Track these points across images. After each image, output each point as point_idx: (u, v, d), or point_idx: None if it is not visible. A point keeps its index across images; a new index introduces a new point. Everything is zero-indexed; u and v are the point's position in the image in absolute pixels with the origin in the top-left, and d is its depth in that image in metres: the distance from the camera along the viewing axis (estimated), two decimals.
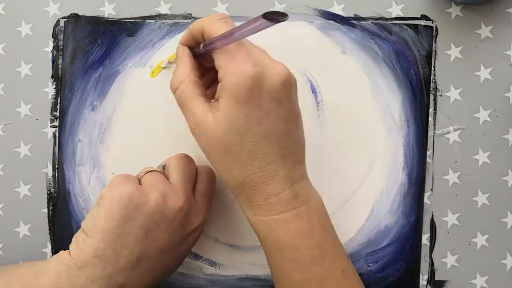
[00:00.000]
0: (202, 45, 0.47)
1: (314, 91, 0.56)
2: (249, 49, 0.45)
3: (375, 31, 0.56)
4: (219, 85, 0.45)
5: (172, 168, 0.51)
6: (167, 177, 0.51)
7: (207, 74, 0.50)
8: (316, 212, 0.47)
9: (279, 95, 0.44)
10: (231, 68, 0.44)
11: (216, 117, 0.44)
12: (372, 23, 0.56)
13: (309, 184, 0.48)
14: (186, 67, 0.47)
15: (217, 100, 0.45)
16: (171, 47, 0.56)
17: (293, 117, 0.46)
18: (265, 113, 0.44)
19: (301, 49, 0.56)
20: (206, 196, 0.52)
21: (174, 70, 0.48)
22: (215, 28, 0.45)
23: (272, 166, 0.45)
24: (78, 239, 0.47)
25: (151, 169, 0.51)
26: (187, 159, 0.52)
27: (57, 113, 0.57)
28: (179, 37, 0.56)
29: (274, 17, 0.38)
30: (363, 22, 0.56)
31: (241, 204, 0.47)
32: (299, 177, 0.46)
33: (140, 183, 0.49)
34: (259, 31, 0.41)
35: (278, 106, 0.44)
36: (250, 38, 0.44)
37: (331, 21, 0.56)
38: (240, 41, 0.45)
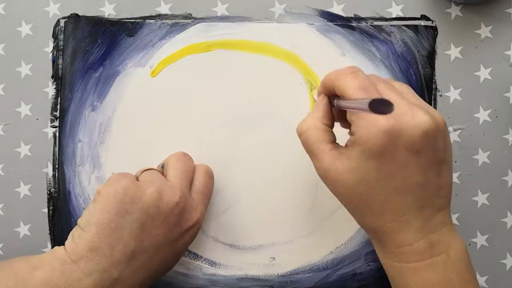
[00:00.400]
0: (335, 102, 0.46)
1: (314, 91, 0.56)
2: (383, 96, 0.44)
3: (374, 33, 0.56)
4: (351, 138, 0.43)
5: (170, 165, 0.51)
6: (165, 175, 0.51)
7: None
8: (455, 263, 0.44)
9: (418, 147, 0.42)
10: (364, 122, 0.42)
11: (345, 166, 0.43)
12: (371, 25, 0.56)
13: (451, 232, 0.45)
14: (316, 114, 0.46)
15: (348, 147, 0.44)
16: (171, 47, 0.57)
17: (435, 165, 0.43)
18: (400, 166, 0.42)
19: (301, 50, 0.56)
20: (203, 194, 0.52)
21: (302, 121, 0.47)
22: (346, 85, 0.44)
23: (406, 217, 0.43)
24: (74, 234, 0.47)
25: (149, 168, 0.51)
26: (185, 157, 0.52)
27: (57, 113, 0.57)
28: (179, 37, 0.57)
29: (377, 107, 0.37)
30: (362, 25, 0.56)
31: (374, 244, 0.47)
32: (438, 225, 0.44)
33: (137, 180, 0.49)
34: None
35: (416, 157, 0.42)
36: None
37: (330, 23, 0.56)
38: (376, 93, 0.44)
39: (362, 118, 0.42)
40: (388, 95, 0.43)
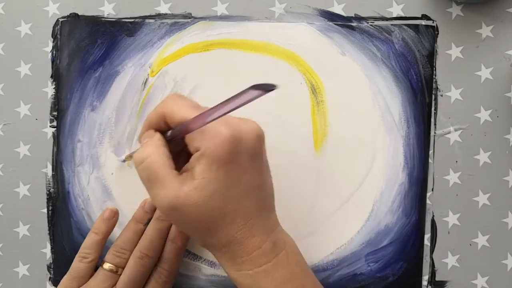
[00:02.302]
0: (170, 132, 0.47)
1: (314, 91, 0.56)
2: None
3: (374, 33, 0.56)
4: (195, 155, 0.44)
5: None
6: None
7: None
8: (293, 256, 0.48)
9: (255, 150, 0.45)
10: (207, 134, 0.43)
11: (195, 185, 0.43)
12: (371, 25, 0.56)
13: (282, 230, 0.49)
14: (156, 141, 0.46)
15: (189, 169, 0.45)
16: (171, 47, 0.57)
17: (266, 168, 0.47)
18: (243, 170, 0.45)
19: (301, 50, 0.56)
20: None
21: (139, 150, 0.47)
22: (178, 107, 0.45)
23: (252, 220, 0.45)
24: None
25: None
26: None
27: (57, 113, 0.58)
28: (178, 37, 0.57)
29: (262, 86, 0.38)
30: (362, 25, 0.56)
31: (223, 263, 0.47)
32: (274, 225, 0.48)
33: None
34: (242, 105, 0.40)
35: (254, 161, 0.45)
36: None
37: (330, 23, 0.57)
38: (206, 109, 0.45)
39: (205, 132, 0.44)
40: (213, 112, 0.44)
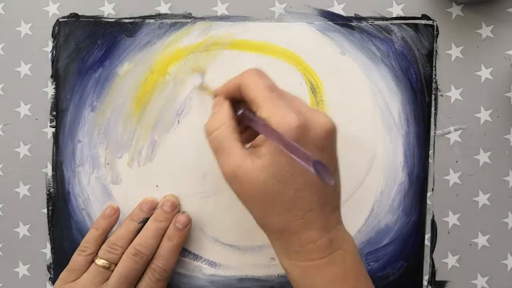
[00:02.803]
0: (240, 112, 0.47)
1: (314, 91, 0.57)
2: (291, 100, 0.46)
3: (374, 33, 0.57)
4: (260, 135, 0.45)
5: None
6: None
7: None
8: (351, 256, 0.47)
9: (323, 144, 0.45)
10: (276, 118, 0.44)
11: (257, 164, 0.44)
12: (371, 24, 0.57)
13: (344, 229, 0.48)
14: (225, 113, 0.47)
15: (256, 146, 0.45)
16: (171, 47, 0.57)
17: (334, 164, 0.47)
18: None
19: (301, 49, 0.57)
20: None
21: (211, 115, 0.48)
22: (254, 84, 0.46)
23: (311, 214, 0.45)
24: None
25: None
26: None
27: (57, 113, 0.58)
28: (178, 37, 0.57)
29: (322, 172, 0.40)
30: (362, 24, 0.57)
31: (275, 248, 0.47)
32: (335, 222, 0.47)
33: None
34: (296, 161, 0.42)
35: (321, 154, 0.44)
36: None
37: (330, 23, 0.57)
38: (281, 93, 0.46)
39: (275, 115, 0.44)
40: (294, 100, 0.46)
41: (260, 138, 0.46)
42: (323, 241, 0.45)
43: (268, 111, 0.45)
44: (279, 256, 0.47)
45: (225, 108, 0.47)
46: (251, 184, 0.44)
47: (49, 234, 0.58)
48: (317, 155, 0.44)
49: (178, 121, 0.57)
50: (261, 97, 0.45)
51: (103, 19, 0.58)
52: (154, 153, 0.57)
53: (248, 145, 0.47)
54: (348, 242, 0.47)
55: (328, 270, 0.46)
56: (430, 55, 0.56)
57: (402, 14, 0.57)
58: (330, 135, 0.45)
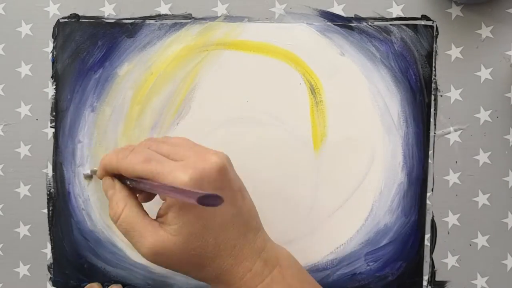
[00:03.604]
0: (129, 182, 0.48)
1: (313, 92, 0.57)
2: (174, 159, 0.47)
3: (373, 33, 0.57)
4: (164, 204, 0.46)
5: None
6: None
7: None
8: (288, 270, 0.49)
9: (220, 183, 0.46)
10: (170, 182, 0.45)
11: (170, 230, 0.45)
12: (370, 25, 0.57)
13: (273, 244, 0.49)
14: (122, 193, 0.48)
15: (163, 215, 0.46)
16: (171, 48, 0.58)
17: (237, 194, 0.48)
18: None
19: (300, 50, 0.57)
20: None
21: (109, 200, 0.49)
22: (130, 164, 0.47)
23: (237, 248, 0.47)
24: None
25: None
26: None
27: (57, 114, 0.58)
28: (178, 37, 0.58)
29: (208, 201, 0.41)
30: (361, 25, 0.57)
31: None
32: (263, 243, 0.48)
33: None
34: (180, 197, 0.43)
35: (221, 193, 0.44)
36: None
37: (330, 23, 0.57)
38: (160, 159, 0.46)
39: (167, 181, 0.45)
40: (176, 152, 0.47)
41: (163, 207, 0.46)
42: (257, 266, 0.47)
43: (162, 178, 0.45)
44: None
45: (119, 188, 0.49)
46: (173, 252, 0.45)
47: (50, 234, 0.58)
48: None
49: (178, 123, 0.58)
50: (140, 172, 0.46)
51: (104, 19, 0.58)
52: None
53: (155, 218, 0.47)
54: (283, 256, 0.49)
55: None
56: (430, 56, 0.57)
57: (402, 15, 0.57)
58: (223, 173, 0.46)
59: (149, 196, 0.52)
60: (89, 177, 0.58)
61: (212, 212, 0.45)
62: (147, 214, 0.47)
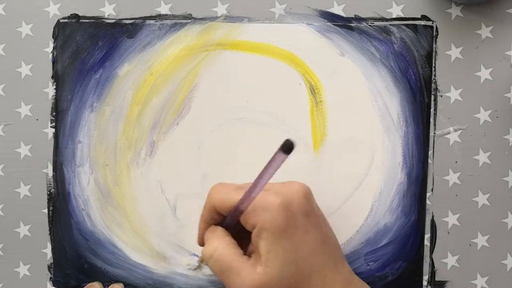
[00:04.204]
0: (225, 220, 0.49)
1: (313, 92, 0.57)
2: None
3: (373, 34, 0.57)
4: (254, 232, 0.46)
5: None
6: None
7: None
8: None
9: (307, 208, 0.47)
10: (259, 208, 0.45)
11: (265, 263, 0.45)
12: (370, 25, 0.57)
13: (358, 279, 0.49)
14: (218, 233, 0.48)
15: (254, 250, 0.46)
16: (171, 48, 0.58)
17: (323, 221, 0.49)
18: (304, 230, 0.46)
19: (300, 51, 0.57)
20: None
21: (205, 242, 0.49)
22: (229, 196, 0.48)
23: (329, 277, 0.46)
24: None
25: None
26: None
27: (57, 114, 0.59)
28: (178, 38, 0.58)
29: (287, 148, 0.41)
30: (361, 25, 0.57)
31: None
32: (351, 274, 0.49)
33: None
34: (277, 169, 0.44)
35: (309, 218, 0.47)
36: None
37: (329, 24, 0.58)
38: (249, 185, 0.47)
39: (256, 207, 0.46)
40: (256, 187, 0.46)
41: (253, 241, 0.47)
42: None
43: (251, 210, 0.46)
44: None
45: (218, 230, 0.49)
46: (272, 286, 0.45)
47: (50, 234, 0.59)
48: (306, 221, 0.46)
49: (178, 123, 0.58)
50: (236, 199, 0.47)
51: (104, 20, 0.59)
52: (153, 154, 0.58)
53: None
54: None
55: None
56: (429, 56, 0.57)
57: (402, 15, 0.57)
58: (308, 198, 0.48)
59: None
60: (198, 267, 0.58)
61: (302, 237, 0.46)
62: (243, 253, 0.47)
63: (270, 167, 0.43)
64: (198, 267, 0.57)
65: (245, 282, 0.45)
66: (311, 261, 0.46)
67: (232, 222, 0.49)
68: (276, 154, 0.42)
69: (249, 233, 0.48)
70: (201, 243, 0.51)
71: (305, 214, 0.46)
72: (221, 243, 0.47)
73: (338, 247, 0.50)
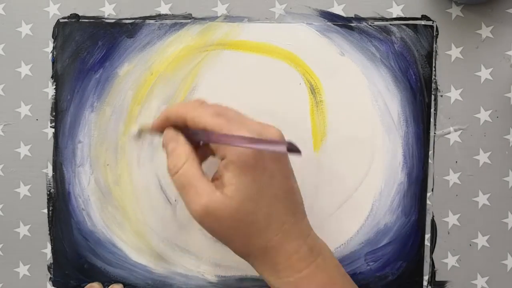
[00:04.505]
0: (192, 133, 0.48)
1: (313, 92, 0.57)
2: (239, 120, 0.47)
3: (373, 33, 0.57)
4: (222, 162, 0.46)
5: None
6: None
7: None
8: (330, 260, 0.49)
9: (278, 155, 0.46)
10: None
11: (226, 192, 0.45)
12: (370, 25, 0.57)
13: (315, 235, 0.49)
14: (184, 148, 0.47)
15: (218, 178, 0.46)
16: (171, 48, 0.58)
17: (291, 173, 0.48)
18: (271, 174, 0.46)
19: (300, 50, 0.57)
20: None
21: (169, 152, 0.48)
22: (201, 114, 0.47)
23: (287, 225, 0.46)
24: None
25: None
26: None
27: (57, 114, 0.59)
28: (178, 37, 0.58)
29: (295, 148, 0.42)
30: (361, 25, 0.57)
31: (262, 272, 0.48)
32: (308, 229, 0.48)
33: None
34: (265, 149, 0.44)
35: (279, 165, 0.46)
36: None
37: (329, 23, 0.58)
38: (229, 115, 0.47)
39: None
40: (241, 117, 0.47)
41: (220, 168, 0.46)
42: (304, 249, 0.47)
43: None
44: (268, 279, 0.48)
45: (182, 142, 0.48)
46: (225, 215, 0.45)
47: (50, 234, 0.59)
48: (276, 166, 0.46)
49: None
50: (210, 124, 0.46)
51: (104, 19, 0.59)
52: (153, 154, 0.58)
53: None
54: (324, 248, 0.49)
55: (317, 278, 0.47)
56: (430, 56, 0.57)
57: (402, 15, 0.57)
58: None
59: (205, 156, 0.51)
60: (137, 136, 0.56)
61: (268, 180, 0.45)
62: (205, 174, 0.46)
63: (264, 143, 0.43)
64: (138, 136, 0.56)
65: (201, 202, 0.45)
66: (272, 204, 0.46)
67: (196, 140, 0.48)
68: (280, 142, 0.42)
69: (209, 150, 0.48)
70: (155, 130, 0.51)
71: (275, 159, 0.46)
72: (186, 160, 0.46)
73: (301, 203, 0.49)
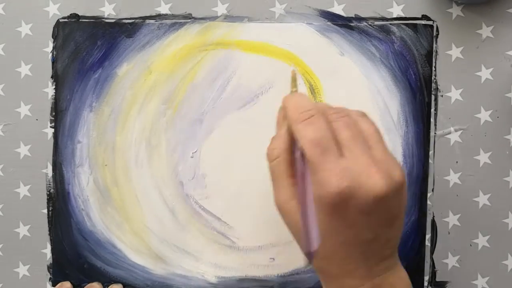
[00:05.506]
0: (297, 154, 0.46)
1: (313, 92, 0.57)
2: (344, 153, 0.43)
3: (373, 33, 0.57)
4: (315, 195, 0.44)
5: None
6: None
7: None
8: None
9: (369, 209, 0.42)
10: (320, 179, 0.42)
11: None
12: (370, 24, 0.58)
13: (395, 273, 0.46)
14: (283, 145, 0.46)
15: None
16: (170, 47, 0.58)
17: (386, 222, 0.44)
18: (348, 224, 0.42)
19: (300, 50, 0.58)
20: None
21: (273, 137, 0.47)
22: (301, 134, 0.44)
23: (351, 266, 0.44)
24: None
25: None
26: None
27: (57, 114, 0.59)
28: (178, 37, 0.58)
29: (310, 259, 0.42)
30: (361, 25, 0.58)
31: (322, 283, 0.47)
32: (382, 270, 0.45)
33: None
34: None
35: (366, 217, 0.42)
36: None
37: (329, 23, 0.58)
38: (329, 147, 0.43)
39: (319, 176, 0.42)
40: (348, 147, 0.43)
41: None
42: (365, 287, 0.44)
43: (314, 162, 0.42)
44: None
45: (284, 139, 0.46)
46: (292, 221, 0.45)
47: (49, 234, 0.59)
48: (360, 218, 0.42)
49: (177, 123, 0.58)
50: (308, 152, 0.43)
51: (103, 19, 0.59)
52: (152, 154, 0.58)
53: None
54: (399, 286, 0.46)
55: None
56: (429, 55, 0.57)
57: (402, 15, 0.58)
58: (378, 201, 0.42)
59: None
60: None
61: (342, 228, 0.43)
62: (293, 174, 0.45)
63: (307, 216, 0.42)
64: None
65: (279, 199, 0.45)
66: (337, 248, 0.43)
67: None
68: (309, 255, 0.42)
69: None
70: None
71: (364, 213, 0.42)
72: (279, 156, 0.46)
73: (389, 247, 0.46)
